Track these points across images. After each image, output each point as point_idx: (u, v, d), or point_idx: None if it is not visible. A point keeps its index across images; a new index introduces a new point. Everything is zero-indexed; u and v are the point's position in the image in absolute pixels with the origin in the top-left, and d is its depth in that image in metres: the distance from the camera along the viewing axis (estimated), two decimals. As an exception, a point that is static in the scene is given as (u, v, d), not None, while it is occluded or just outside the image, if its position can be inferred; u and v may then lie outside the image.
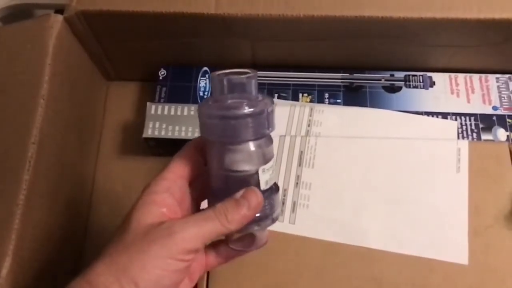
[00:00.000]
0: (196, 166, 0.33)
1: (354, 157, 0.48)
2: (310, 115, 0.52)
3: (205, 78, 0.55)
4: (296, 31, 0.49)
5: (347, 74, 0.55)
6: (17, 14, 0.57)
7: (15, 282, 0.38)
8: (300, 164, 0.48)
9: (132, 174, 0.55)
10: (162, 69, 0.56)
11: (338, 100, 0.54)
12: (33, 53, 0.44)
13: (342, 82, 0.55)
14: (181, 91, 0.55)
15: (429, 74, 0.55)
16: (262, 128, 0.31)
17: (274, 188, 0.33)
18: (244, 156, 0.31)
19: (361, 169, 0.47)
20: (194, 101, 0.54)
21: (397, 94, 0.54)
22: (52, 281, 0.43)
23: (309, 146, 0.49)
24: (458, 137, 0.51)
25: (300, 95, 0.54)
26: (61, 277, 0.29)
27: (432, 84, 0.55)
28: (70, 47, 0.49)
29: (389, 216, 0.45)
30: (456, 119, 0.52)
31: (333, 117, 0.52)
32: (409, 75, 0.55)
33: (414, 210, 0.46)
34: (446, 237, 0.44)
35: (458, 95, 0.54)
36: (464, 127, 0.52)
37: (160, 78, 0.56)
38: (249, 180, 0.31)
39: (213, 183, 0.32)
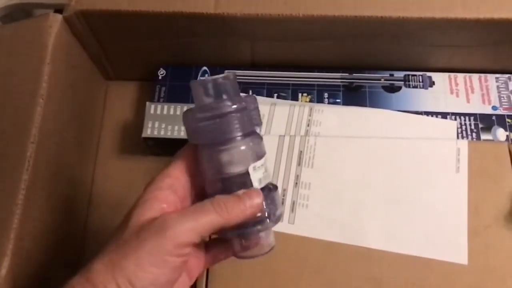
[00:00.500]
0: None
1: (353, 157, 0.48)
2: (310, 115, 0.52)
3: (204, 78, 0.55)
4: (296, 31, 0.49)
5: (347, 74, 0.55)
6: (16, 14, 0.57)
7: (14, 282, 0.38)
8: (299, 164, 0.48)
9: (131, 173, 0.55)
10: (161, 69, 0.56)
11: (338, 100, 0.54)
12: (32, 53, 0.44)
13: (341, 82, 0.55)
14: (181, 91, 0.55)
15: (428, 74, 0.55)
16: (249, 124, 0.31)
17: (272, 187, 0.33)
18: (235, 155, 0.31)
19: (361, 169, 0.47)
20: (194, 101, 0.54)
21: (397, 94, 0.54)
22: (51, 281, 0.43)
23: (309, 146, 0.49)
24: (458, 137, 0.51)
25: (300, 95, 0.54)
26: (60, 277, 0.29)
27: (432, 84, 0.55)
28: (69, 46, 0.49)
29: (388, 216, 0.45)
30: (455, 119, 0.52)
31: (333, 117, 0.52)
32: (408, 75, 0.55)
33: (414, 210, 0.46)
34: (445, 237, 0.44)
35: (457, 95, 0.54)
36: (464, 127, 0.52)
37: (160, 77, 0.56)
38: (245, 181, 0.31)
39: (209, 190, 0.32)
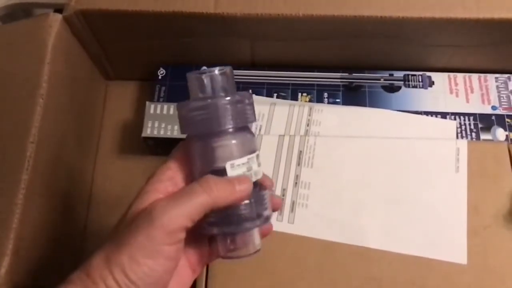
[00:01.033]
0: None
1: (353, 156, 0.48)
2: (309, 115, 0.52)
3: (204, 78, 0.55)
4: (295, 31, 0.49)
5: (346, 74, 0.55)
6: (16, 13, 0.57)
7: (14, 282, 0.38)
8: (299, 163, 0.48)
9: (131, 173, 0.55)
10: (161, 69, 0.56)
11: (337, 100, 0.54)
12: (32, 52, 0.44)
13: (341, 81, 0.55)
14: (180, 91, 0.55)
15: (428, 73, 0.55)
16: (241, 118, 0.31)
17: (259, 186, 0.33)
18: (224, 149, 0.31)
19: (360, 168, 0.47)
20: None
21: (396, 93, 0.54)
22: (50, 281, 0.43)
23: (308, 145, 0.49)
24: (457, 137, 0.51)
25: (299, 94, 0.54)
26: (60, 277, 0.29)
27: (431, 83, 0.55)
28: (69, 46, 0.49)
29: (388, 216, 0.45)
30: (455, 119, 0.52)
31: (332, 117, 0.52)
32: (408, 75, 0.55)
33: (413, 210, 0.46)
34: (445, 237, 0.44)
35: (457, 95, 0.54)
36: (463, 127, 0.52)
37: (159, 77, 0.56)
38: None
39: None
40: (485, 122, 0.52)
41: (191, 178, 0.32)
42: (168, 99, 0.54)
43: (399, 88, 0.54)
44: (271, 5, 0.46)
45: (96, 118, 0.58)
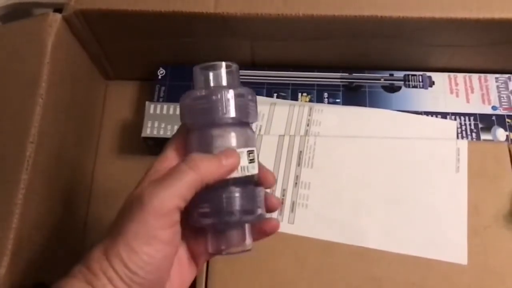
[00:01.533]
0: None
1: (353, 156, 0.48)
2: (309, 115, 0.52)
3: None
4: (295, 31, 0.49)
5: (347, 74, 0.55)
6: (15, 13, 0.57)
7: (14, 282, 0.38)
8: (299, 164, 0.48)
9: (131, 173, 0.54)
10: (161, 69, 0.56)
11: (338, 100, 0.54)
12: (32, 52, 0.44)
13: (341, 81, 0.55)
14: (180, 91, 0.53)
15: (428, 73, 0.55)
16: (244, 112, 0.32)
17: (254, 183, 0.33)
18: (224, 140, 0.31)
19: (360, 168, 0.47)
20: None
21: (397, 93, 0.54)
22: (50, 281, 0.43)
23: (308, 145, 0.49)
24: (458, 137, 0.51)
25: (299, 94, 0.54)
26: (60, 277, 0.29)
27: (432, 84, 0.55)
28: (68, 46, 0.49)
29: (388, 216, 0.45)
30: (455, 119, 0.52)
31: (332, 117, 0.52)
32: (408, 75, 0.55)
33: (413, 210, 0.46)
34: (445, 237, 0.44)
35: (457, 95, 0.54)
36: (464, 127, 0.52)
37: (159, 77, 0.56)
38: None
39: None
40: (486, 122, 0.52)
41: None
42: (168, 99, 0.54)
43: (399, 88, 0.54)
44: (271, 5, 0.46)
45: (95, 118, 0.58)
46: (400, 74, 0.55)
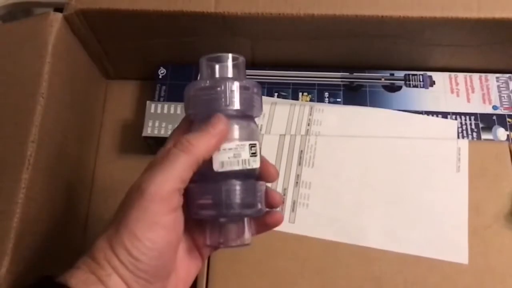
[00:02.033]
0: None
1: (354, 156, 0.48)
2: (310, 114, 0.52)
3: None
4: (296, 30, 0.49)
5: (347, 73, 0.55)
6: (16, 13, 0.57)
7: (14, 281, 0.38)
8: (300, 163, 0.48)
9: (131, 172, 0.54)
10: (161, 68, 0.56)
11: (338, 99, 0.54)
12: (32, 52, 0.44)
13: (342, 81, 0.55)
14: (181, 90, 0.53)
15: (429, 73, 0.55)
16: (249, 104, 0.32)
17: (255, 177, 0.32)
18: (231, 131, 0.31)
19: (361, 168, 0.47)
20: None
21: (397, 93, 0.54)
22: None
23: (309, 145, 0.49)
24: (458, 137, 0.51)
25: (300, 94, 0.54)
26: (60, 276, 0.29)
27: (432, 83, 0.54)
28: (69, 45, 0.49)
29: (388, 216, 0.45)
30: (456, 119, 0.52)
31: (333, 117, 0.52)
32: (409, 75, 0.55)
33: (414, 210, 0.46)
34: (446, 237, 0.44)
35: (458, 95, 0.54)
36: (464, 127, 0.52)
37: (160, 76, 0.56)
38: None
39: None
40: (486, 121, 0.52)
41: None
42: (169, 98, 0.54)
43: (400, 87, 0.54)
44: (272, 4, 0.46)
45: (96, 117, 0.58)
46: (400, 73, 0.55)
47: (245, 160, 0.31)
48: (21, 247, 0.39)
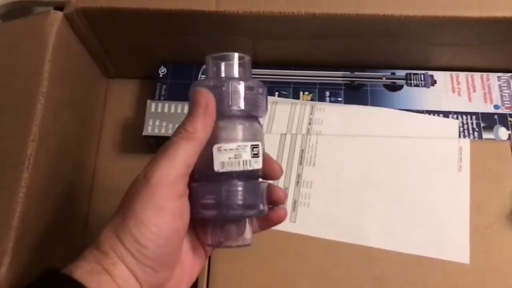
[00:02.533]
0: None
1: (355, 155, 0.48)
2: (311, 114, 0.52)
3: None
4: (297, 29, 0.49)
5: (348, 73, 0.55)
6: (16, 11, 0.57)
7: (14, 281, 0.38)
8: (301, 162, 0.48)
9: (132, 171, 0.54)
10: (162, 67, 0.56)
11: (339, 99, 0.54)
12: (33, 50, 0.44)
13: (343, 80, 0.55)
14: (181, 89, 0.54)
15: (430, 72, 0.55)
16: (253, 104, 0.32)
17: (258, 178, 0.32)
18: (227, 132, 0.31)
19: (362, 167, 0.47)
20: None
21: (398, 92, 0.54)
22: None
23: (310, 144, 0.49)
24: (460, 136, 0.51)
25: (301, 93, 0.54)
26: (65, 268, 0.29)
27: (433, 82, 0.54)
28: (69, 44, 0.49)
29: (390, 215, 0.45)
30: (457, 118, 0.52)
31: (334, 116, 0.52)
32: (410, 74, 0.55)
33: (415, 209, 0.45)
34: (447, 236, 0.44)
35: (459, 94, 0.54)
36: (466, 126, 0.52)
37: (160, 75, 0.55)
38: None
39: (199, 165, 0.32)
40: (488, 121, 0.52)
41: None
42: (169, 97, 0.54)
43: (401, 87, 0.54)
44: (273, 3, 0.46)
45: (96, 116, 0.58)
46: (402, 72, 0.55)
47: (246, 161, 0.31)
48: (22, 246, 0.39)
